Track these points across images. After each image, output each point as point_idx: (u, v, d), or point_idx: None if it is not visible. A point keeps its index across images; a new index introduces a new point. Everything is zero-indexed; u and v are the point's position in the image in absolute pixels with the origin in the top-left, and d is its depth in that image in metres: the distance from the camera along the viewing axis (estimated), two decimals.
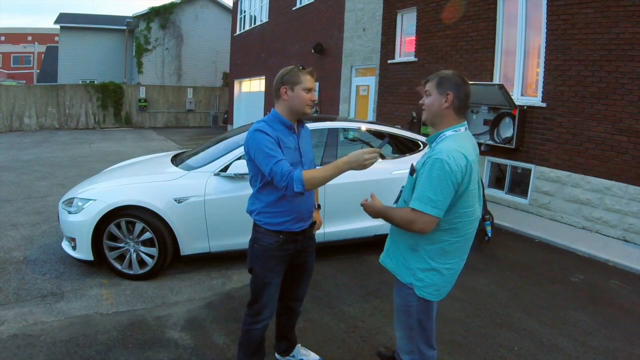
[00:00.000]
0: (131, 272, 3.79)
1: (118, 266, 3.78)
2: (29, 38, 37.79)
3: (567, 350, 2.93)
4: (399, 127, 5.31)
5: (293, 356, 2.63)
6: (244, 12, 17.90)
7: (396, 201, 2.09)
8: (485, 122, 6.76)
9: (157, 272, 3.83)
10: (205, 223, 3.82)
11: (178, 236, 3.77)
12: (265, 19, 15.64)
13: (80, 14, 25.90)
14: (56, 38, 28.10)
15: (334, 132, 4.46)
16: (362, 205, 2.03)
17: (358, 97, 10.64)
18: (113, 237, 3.74)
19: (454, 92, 1.87)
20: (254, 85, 17.15)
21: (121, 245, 3.76)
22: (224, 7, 23.51)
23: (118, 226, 3.71)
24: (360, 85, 10.48)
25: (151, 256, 3.78)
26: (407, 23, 8.91)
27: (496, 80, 6.80)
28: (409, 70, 8.62)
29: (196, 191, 3.80)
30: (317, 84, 11.57)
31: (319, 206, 2.50)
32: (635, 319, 3.43)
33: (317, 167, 2.12)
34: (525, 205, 6.38)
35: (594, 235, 5.43)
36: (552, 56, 5.93)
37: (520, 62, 6.55)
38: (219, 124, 21.51)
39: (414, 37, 8.51)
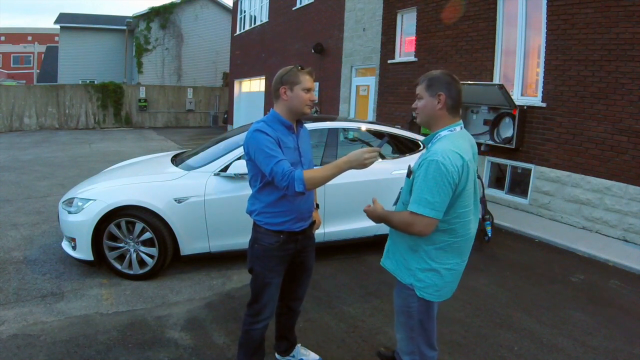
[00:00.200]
0: (131, 272, 3.79)
1: (118, 266, 3.78)
2: (29, 38, 37.80)
3: (567, 350, 2.93)
4: (399, 127, 5.31)
5: (293, 356, 2.63)
6: (244, 12, 17.90)
7: (395, 203, 2.09)
8: (485, 122, 6.76)
9: (157, 272, 3.83)
10: (205, 223, 3.82)
11: (178, 236, 3.77)
12: (265, 19, 15.64)
13: (80, 14, 25.90)
14: (56, 38, 28.10)
15: (334, 132, 4.46)
16: (364, 211, 2.03)
17: (358, 97, 10.64)
18: (113, 237, 3.74)
19: (446, 92, 1.85)
20: (254, 85, 17.15)
21: (121, 245, 3.76)
22: (224, 7, 23.51)
23: (118, 226, 3.71)
24: (360, 85, 10.48)
25: (151, 256, 3.78)
26: (407, 23, 8.91)
27: (496, 80, 6.80)
28: (409, 70, 8.62)
29: (196, 191, 3.80)
30: (317, 84, 11.57)
31: (317, 206, 2.50)
32: (635, 319, 3.43)
33: (317, 167, 2.12)
34: (525, 205, 6.38)
35: (594, 235, 5.43)
36: (552, 56, 5.93)
37: (520, 62, 6.55)
38: (219, 124, 21.51)
39: (414, 37, 8.51)
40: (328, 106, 11.51)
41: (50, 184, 7.51)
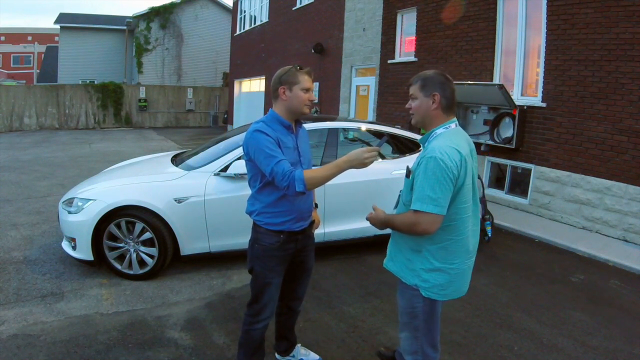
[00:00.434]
0: (131, 272, 3.79)
1: (118, 266, 3.78)
2: (29, 38, 37.80)
3: (567, 350, 2.93)
4: (399, 127, 5.31)
5: (293, 356, 2.63)
6: (244, 12, 17.90)
7: (395, 206, 2.09)
8: (485, 122, 6.76)
9: (157, 272, 3.83)
10: (205, 223, 3.82)
11: (178, 236, 3.77)
12: (265, 19, 15.64)
13: (80, 14, 25.90)
14: (56, 38, 28.10)
15: (334, 132, 4.46)
16: (367, 219, 2.03)
17: (358, 97, 10.64)
18: (113, 237, 3.74)
19: (440, 92, 1.86)
20: (254, 85, 17.15)
21: (121, 245, 3.76)
22: (224, 7, 23.51)
23: (118, 226, 3.71)
24: (360, 85, 10.48)
25: (151, 256, 3.77)
26: (407, 23, 8.91)
27: (496, 80, 6.80)
28: (409, 70, 8.62)
29: (196, 191, 3.80)
30: (317, 84, 11.57)
31: (316, 205, 2.51)
32: (635, 319, 3.43)
33: (316, 167, 2.13)
34: (525, 205, 6.38)
35: (594, 235, 5.43)
36: (552, 56, 5.93)
37: (520, 62, 6.55)
38: (219, 124, 21.51)
39: (414, 37, 8.51)
40: (328, 106, 11.51)
41: (50, 184, 7.52)
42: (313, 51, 11.83)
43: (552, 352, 2.91)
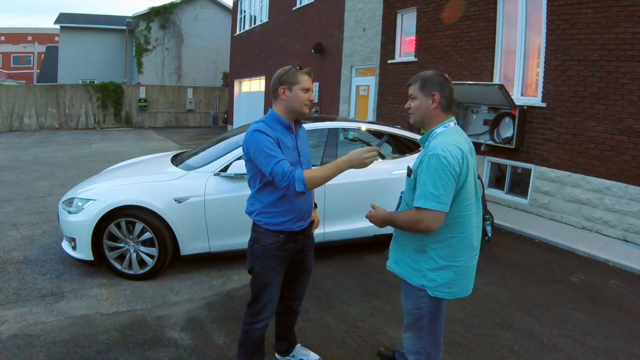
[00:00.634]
0: (131, 272, 3.79)
1: (118, 266, 3.78)
2: (29, 38, 37.81)
3: (567, 350, 2.93)
4: (399, 127, 5.31)
5: (293, 356, 2.63)
6: (244, 12, 17.90)
7: (397, 208, 2.09)
8: (485, 122, 6.76)
9: (157, 272, 3.83)
10: (205, 223, 3.82)
11: (178, 236, 3.77)
12: (265, 19, 15.64)
13: (80, 14, 25.89)
14: (56, 38, 28.10)
15: (334, 132, 4.47)
16: (366, 217, 2.03)
17: (358, 97, 10.64)
18: (113, 237, 3.74)
19: (439, 91, 1.88)
20: (254, 85, 17.15)
21: (121, 245, 3.76)
22: (224, 7, 23.51)
23: (118, 226, 3.71)
24: (360, 85, 10.48)
25: (151, 256, 3.77)
26: (407, 23, 8.91)
27: (496, 80, 6.80)
28: (409, 70, 8.61)
29: (196, 191, 3.80)
30: (317, 84, 11.58)
31: (316, 205, 2.51)
32: (635, 319, 3.43)
33: (316, 167, 2.13)
34: (525, 205, 6.38)
35: (594, 235, 5.43)
36: (552, 56, 5.93)
37: (520, 62, 6.55)
38: (219, 124, 21.51)
39: (414, 37, 8.51)
40: (328, 106, 11.51)
41: (50, 184, 7.52)
42: (313, 51, 11.83)
43: (552, 352, 2.91)
